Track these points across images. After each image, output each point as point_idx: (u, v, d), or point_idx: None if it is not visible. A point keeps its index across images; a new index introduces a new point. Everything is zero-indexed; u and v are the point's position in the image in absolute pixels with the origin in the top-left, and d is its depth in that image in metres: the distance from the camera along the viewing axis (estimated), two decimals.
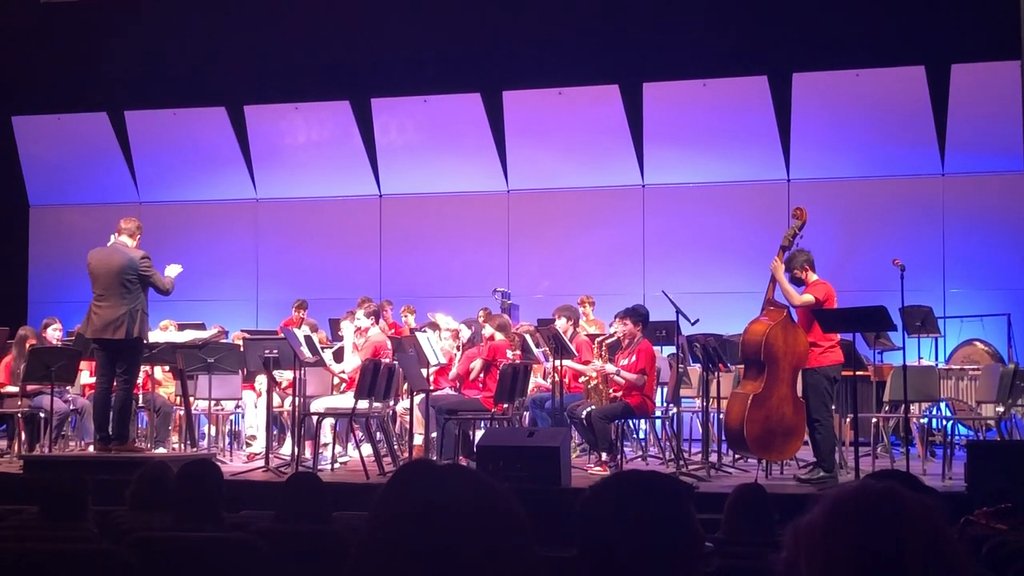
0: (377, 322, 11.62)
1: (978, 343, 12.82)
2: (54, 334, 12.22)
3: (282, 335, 11.01)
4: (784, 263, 9.29)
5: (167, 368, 12.07)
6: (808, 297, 9.09)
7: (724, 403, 10.01)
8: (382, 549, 1.53)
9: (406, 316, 14.05)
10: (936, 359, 12.65)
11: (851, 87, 14.65)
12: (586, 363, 10.79)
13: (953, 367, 11.90)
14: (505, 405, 10.43)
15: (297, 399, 10.56)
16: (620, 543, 2.12)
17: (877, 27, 14.55)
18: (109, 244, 10.01)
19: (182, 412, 11.55)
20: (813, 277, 9.27)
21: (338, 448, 10.98)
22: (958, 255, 14.46)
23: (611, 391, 10.39)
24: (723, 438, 10.09)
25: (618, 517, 2.15)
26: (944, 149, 14.45)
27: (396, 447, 11.04)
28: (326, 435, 10.93)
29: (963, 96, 14.13)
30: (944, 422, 11.36)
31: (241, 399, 12.37)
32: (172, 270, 10.16)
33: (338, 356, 11.53)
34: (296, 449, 10.37)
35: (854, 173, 14.94)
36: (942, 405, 11.41)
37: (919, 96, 14.29)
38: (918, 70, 14.29)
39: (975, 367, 11.64)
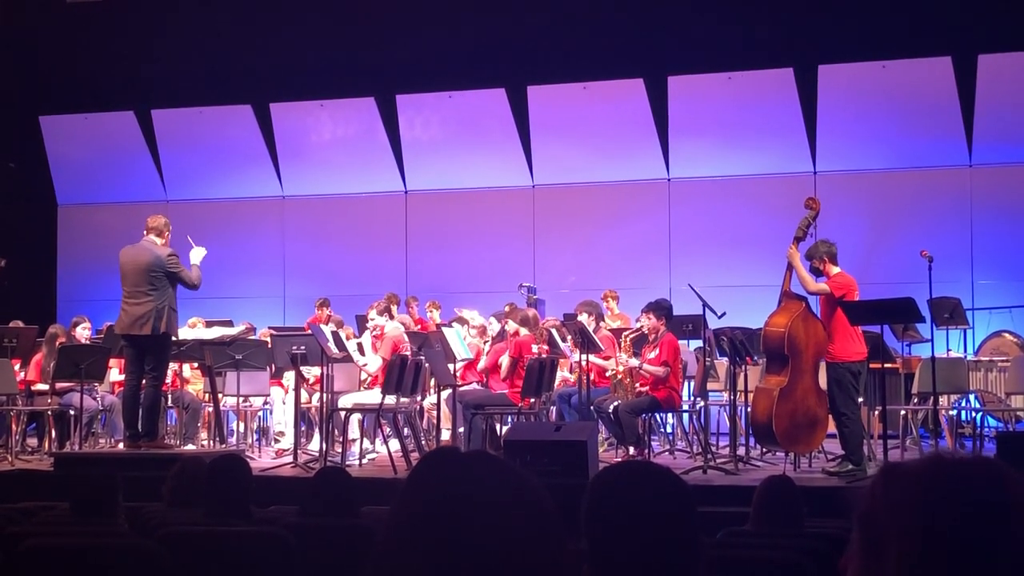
0: (392, 316, 11.62)
1: (1007, 334, 12.74)
2: (83, 333, 12.28)
3: (309, 331, 11.05)
4: (804, 253, 9.29)
5: (195, 365, 12.14)
6: (823, 286, 9.06)
7: (752, 396, 9.99)
8: (408, 538, 1.51)
9: (431, 311, 14.07)
10: (965, 351, 12.58)
11: (877, 79, 14.57)
12: (607, 358, 10.81)
13: (982, 359, 11.84)
14: (532, 400, 10.44)
15: (325, 395, 10.61)
16: (622, 529, 2.13)
17: (903, 18, 14.46)
18: (139, 243, 10.08)
19: (211, 409, 11.61)
20: (834, 270, 9.22)
21: (366, 443, 11.01)
22: (986, 246, 14.37)
23: (638, 385, 10.39)
24: (751, 432, 10.07)
25: (619, 504, 2.16)
26: (971, 140, 14.37)
27: (423, 442, 11.07)
28: (354, 431, 10.97)
29: (990, 87, 14.04)
30: (973, 414, 11.31)
31: (269, 395, 12.41)
32: (196, 255, 10.19)
33: (363, 349, 11.56)
34: (324, 445, 10.40)
35: (881, 165, 14.87)
36: (971, 397, 11.35)
37: (946, 87, 14.21)
38: (945, 61, 14.21)
39: (1004, 358, 11.58)
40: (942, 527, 1.46)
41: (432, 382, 11.35)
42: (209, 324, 12.62)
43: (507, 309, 12.51)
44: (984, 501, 1.47)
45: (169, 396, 11.51)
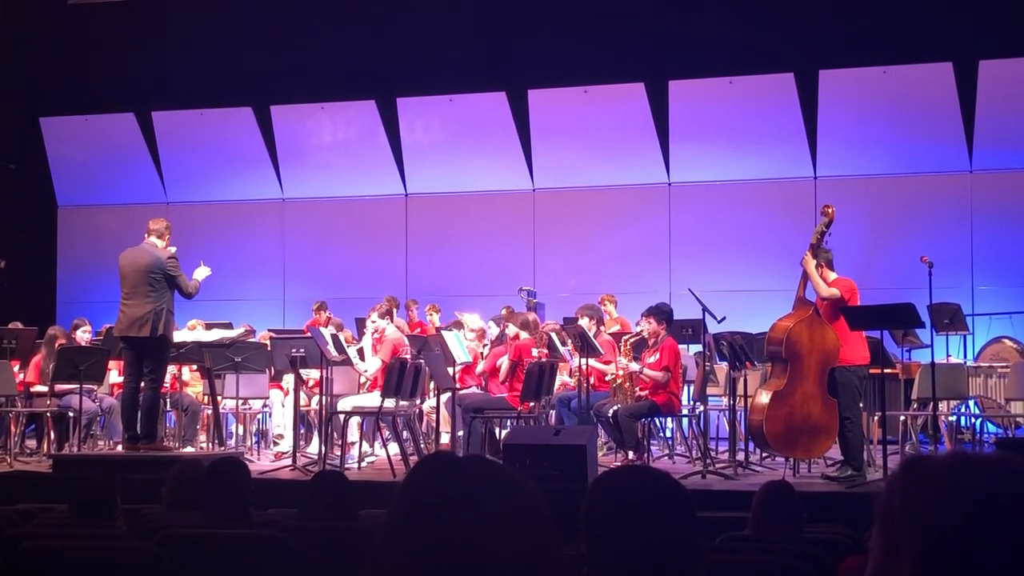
0: (392, 320, 11.61)
1: (1007, 340, 12.73)
2: (84, 336, 12.24)
3: (309, 334, 11.04)
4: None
5: (195, 367, 12.12)
6: (834, 290, 9.06)
7: (750, 401, 9.98)
8: (403, 542, 1.51)
9: (430, 315, 14.07)
10: (964, 356, 12.57)
11: (878, 84, 14.57)
12: (608, 363, 10.80)
13: (982, 364, 11.83)
14: (531, 404, 10.43)
15: (324, 398, 10.60)
16: (621, 533, 2.12)
17: (904, 23, 14.47)
18: (140, 245, 10.08)
19: (210, 411, 11.60)
20: (831, 276, 9.21)
21: (365, 447, 11.00)
22: (986, 252, 14.37)
23: (637, 389, 10.39)
24: (750, 436, 10.06)
25: (619, 508, 2.15)
26: (972, 146, 14.37)
27: (423, 446, 11.06)
28: (353, 434, 10.96)
29: (991, 92, 14.04)
30: (973, 420, 11.31)
31: (268, 398, 12.40)
32: (201, 273, 10.22)
33: (364, 354, 11.55)
34: (323, 448, 10.40)
35: (881, 170, 14.87)
36: (971, 403, 11.35)
37: (947, 92, 14.21)
38: (945, 66, 14.21)
39: (1004, 364, 11.56)
40: (956, 531, 1.44)
41: (431, 386, 11.34)
42: (209, 326, 12.61)
43: (504, 312, 12.51)
44: (1002, 502, 1.45)
45: (168, 398, 11.51)
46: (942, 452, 1.53)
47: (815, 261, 9.15)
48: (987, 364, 11.79)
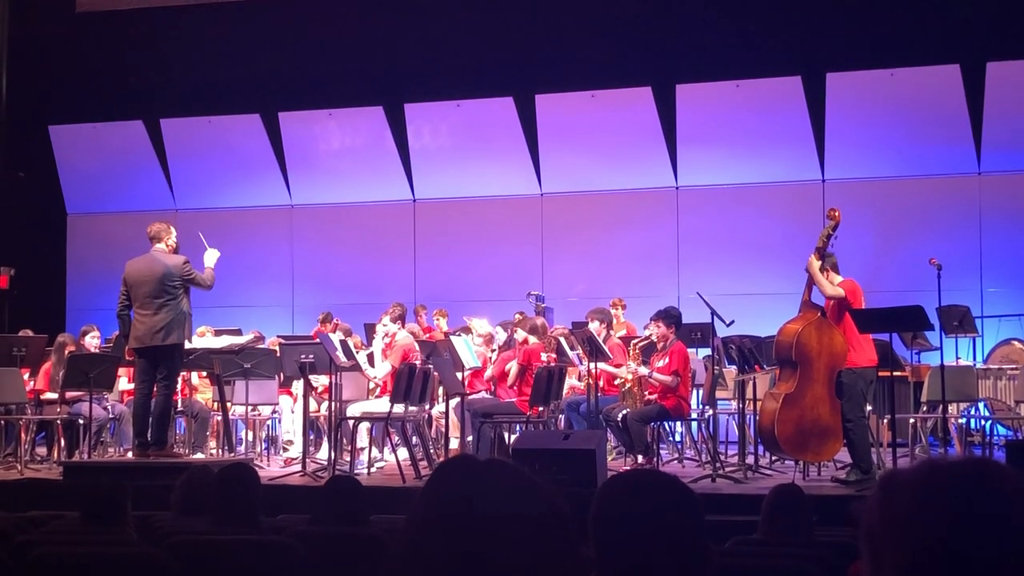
0: (404, 325, 11.63)
1: (1016, 342, 12.70)
2: (92, 342, 12.27)
3: (318, 340, 11.06)
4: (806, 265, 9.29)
5: (204, 374, 12.14)
6: (839, 290, 9.05)
7: (760, 404, 9.97)
8: (424, 545, 1.52)
9: (438, 320, 14.07)
10: (974, 359, 12.55)
11: (885, 86, 14.56)
12: (618, 366, 10.80)
13: (991, 367, 11.80)
14: (540, 408, 10.44)
15: (333, 404, 10.61)
16: (630, 537, 2.13)
17: (911, 26, 14.46)
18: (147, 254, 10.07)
19: (219, 417, 11.62)
20: (837, 279, 9.21)
21: (374, 452, 11.01)
22: (995, 254, 14.34)
23: (646, 393, 10.39)
24: (759, 440, 10.05)
25: (628, 512, 2.15)
26: (980, 148, 14.35)
27: (432, 451, 11.06)
28: (362, 439, 10.96)
29: (999, 94, 14.02)
30: (982, 422, 11.28)
31: (278, 404, 12.42)
32: (210, 257, 10.22)
33: (373, 360, 11.57)
34: (332, 453, 10.40)
35: (889, 173, 14.85)
36: (980, 405, 11.33)
37: (954, 95, 14.19)
38: (953, 68, 14.19)
39: (1013, 366, 11.54)
40: (933, 539, 1.44)
41: (440, 391, 11.35)
42: (218, 333, 12.63)
43: (518, 318, 12.51)
44: (975, 509, 1.45)
45: (178, 405, 11.52)
46: (914, 463, 1.53)
47: (820, 263, 9.14)
48: (996, 366, 11.77)
